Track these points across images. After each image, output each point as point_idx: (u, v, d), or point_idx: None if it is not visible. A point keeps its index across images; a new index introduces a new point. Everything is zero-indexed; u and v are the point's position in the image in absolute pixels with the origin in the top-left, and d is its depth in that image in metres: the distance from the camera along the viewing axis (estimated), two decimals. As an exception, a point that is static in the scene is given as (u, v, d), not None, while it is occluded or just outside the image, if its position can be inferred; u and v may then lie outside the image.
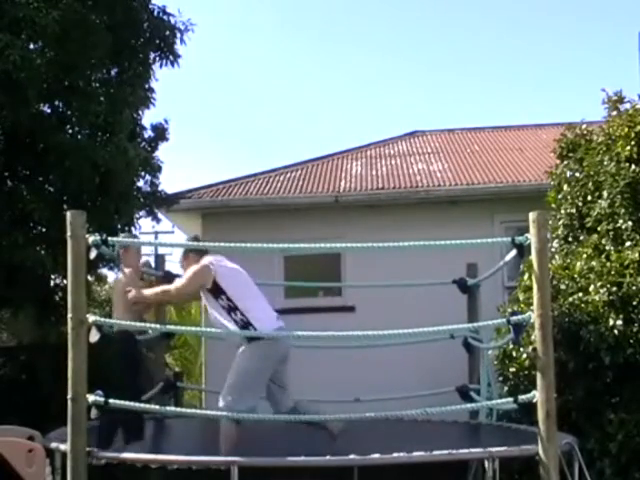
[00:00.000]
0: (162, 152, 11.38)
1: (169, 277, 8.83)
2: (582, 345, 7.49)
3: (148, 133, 11.21)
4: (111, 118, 9.78)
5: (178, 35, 10.73)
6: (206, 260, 6.21)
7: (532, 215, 5.86)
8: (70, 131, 10.05)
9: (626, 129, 8.42)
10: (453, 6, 42.07)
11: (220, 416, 6.10)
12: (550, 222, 8.49)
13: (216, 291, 6.07)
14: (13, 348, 12.63)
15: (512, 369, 7.99)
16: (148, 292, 6.48)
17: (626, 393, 7.38)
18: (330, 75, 48.85)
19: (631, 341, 7.30)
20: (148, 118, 11.35)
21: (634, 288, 7.42)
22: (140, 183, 10.96)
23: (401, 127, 46.02)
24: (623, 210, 8.13)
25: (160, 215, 11.99)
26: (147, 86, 10.87)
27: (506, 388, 8.02)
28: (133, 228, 10.77)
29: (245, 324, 5.97)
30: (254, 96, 50.29)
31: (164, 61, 10.82)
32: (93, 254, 6.02)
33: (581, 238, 8.60)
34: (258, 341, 5.98)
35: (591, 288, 7.62)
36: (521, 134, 16.13)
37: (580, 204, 8.76)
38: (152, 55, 10.79)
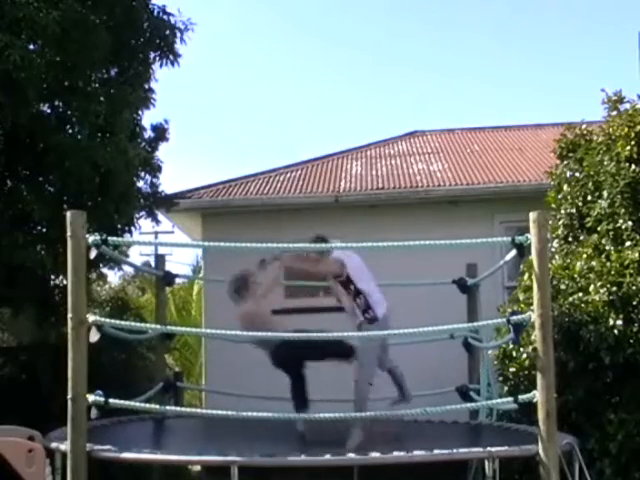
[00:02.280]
0: (162, 152, 11.38)
1: (169, 277, 8.86)
2: (582, 345, 7.48)
3: (148, 133, 11.19)
4: (111, 118, 9.76)
5: (178, 34, 10.70)
6: (336, 255, 7.15)
7: (532, 215, 5.86)
8: (70, 131, 10.01)
9: (626, 129, 8.41)
10: (453, 6, 42.11)
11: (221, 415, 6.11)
12: (550, 222, 8.48)
13: (345, 283, 7.14)
14: (13, 348, 12.62)
15: (512, 369, 7.98)
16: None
17: (626, 393, 7.38)
18: (330, 75, 48.94)
19: (631, 341, 7.30)
20: (148, 118, 11.34)
21: (634, 288, 7.42)
22: (140, 183, 10.94)
23: (401, 127, 46.08)
24: (623, 210, 8.13)
25: (160, 216, 11.97)
26: (147, 86, 10.84)
27: (506, 388, 8.01)
28: (133, 228, 10.75)
29: (366, 307, 7.03)
30: (254, 96, 50.34)
31: (164, 60, 10.79)
32: (93, 254, 6.02)
33: (581, 238, 8.59)
34: (377, 322, 7.02)
35: (591, 288, 7.62)
36: (521, 134, 16.12)
37: (580, 204, 8.76)
38: (152, 55, 10.75)
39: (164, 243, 16.29)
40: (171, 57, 10.81)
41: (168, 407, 7.91)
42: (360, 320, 7.13)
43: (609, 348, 7.31)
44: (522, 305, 8.00)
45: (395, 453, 5.90)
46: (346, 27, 46.76)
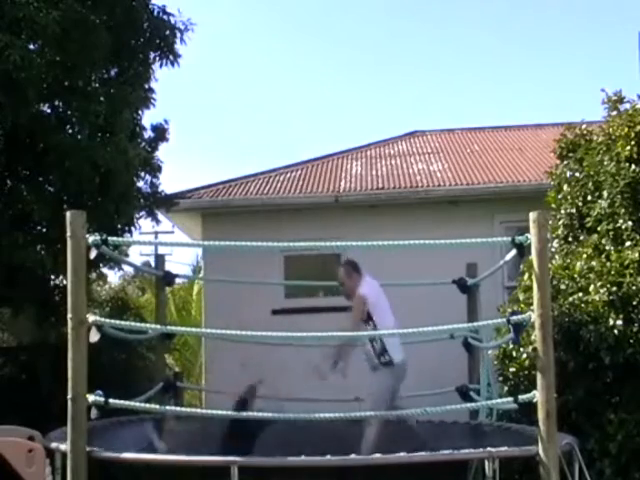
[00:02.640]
0: (162, 152, 11.39)
1: (169, 277, 8.85)
2: (582, 345, 7.48)
3: (148, 133, 11.20)
4: (111, 118, 9.77)
5: (178, 35, 10.72)
6: (362, 290, 7.23)
7: (532, 215, 5.86)
8: (70, 131, 10.03)
9: (626, 129, 8.41)
10: (453, 6, 42.12)
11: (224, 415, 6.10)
12: (550, 222, 8.48)
13: (366, 320, 7.17)
14: (13, 348, 12.64)
15: (512, 369, 7.97)
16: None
17: (626, 393, 7.37)
18: (330, 75, 48.91)
19: (631, 341, 7.29)
20: (148, 118, 11.35)
21: (634, 288, 7.42)
22: (140, 183, 10.95)
23: (401, 127, 46.04)
24: (623, 210, 8.13)
25: (160, 216, 11.98)
26: (147, 86, 10.85)
27: (506, 388, 8.00)
28: (133, 228, 10.76)
29: (382, 351, 7.07)
30: (254, 96, 50.34)
31: (164, 61, 10.81)
32: (93, 254, 6.02)
33: (581, 238, 8.59)
34: (392, 366, 7.12)
35: (591, 288, 7.62)
36: (521, 134, 16.12)
37: (580, 204, 8.75)
38: (152, 55, 10.77)
39: (164, 243, 16.31)
40: (171, 57, 10.83)
41: (168, 407, 7.91)
42: (375, 363, 7.17)
43: (609, 348, 7.31)
44: (522, 305, 8.00)
45: (395, 453, 5.90)
46: (346, 27, 46.73)
